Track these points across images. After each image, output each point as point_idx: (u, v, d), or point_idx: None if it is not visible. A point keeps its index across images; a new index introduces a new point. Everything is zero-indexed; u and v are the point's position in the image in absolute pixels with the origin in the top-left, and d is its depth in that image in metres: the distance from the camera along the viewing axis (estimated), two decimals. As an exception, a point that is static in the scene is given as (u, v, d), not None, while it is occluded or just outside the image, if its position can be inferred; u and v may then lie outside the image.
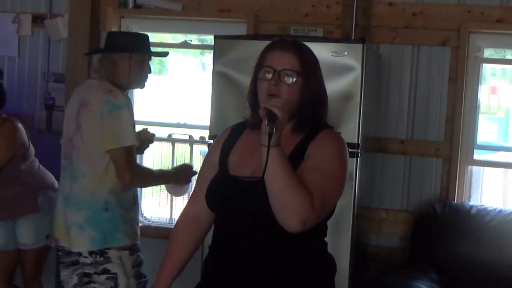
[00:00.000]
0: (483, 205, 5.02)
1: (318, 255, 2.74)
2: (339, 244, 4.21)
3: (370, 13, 5.29)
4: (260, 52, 2.75)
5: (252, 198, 2.47)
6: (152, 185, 4.61)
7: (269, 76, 2.62)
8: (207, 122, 4.78)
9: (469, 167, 5.33)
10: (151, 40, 5.71)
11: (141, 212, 5.60)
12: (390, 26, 5.31)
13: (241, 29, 5.46)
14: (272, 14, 5.49)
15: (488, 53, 5.37)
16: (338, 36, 5.32)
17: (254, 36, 5.12)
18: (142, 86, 4.19)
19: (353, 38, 5.17)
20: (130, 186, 3.97)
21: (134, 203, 4.08)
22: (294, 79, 2.62)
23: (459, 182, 5.26)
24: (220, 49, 4.58)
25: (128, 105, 3.93)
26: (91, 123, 3.90)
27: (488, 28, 5.20)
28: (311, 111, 2.68)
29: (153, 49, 4.32)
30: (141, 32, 4.34)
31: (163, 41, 6.01)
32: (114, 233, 3.94)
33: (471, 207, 4.99)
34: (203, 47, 5.99)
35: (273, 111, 2.41)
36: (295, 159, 2.58)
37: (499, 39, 5.28)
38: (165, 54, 4.53)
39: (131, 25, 5.80)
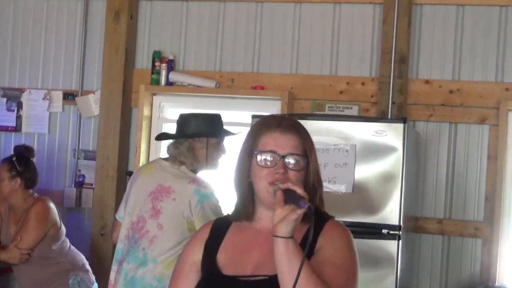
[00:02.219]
0: (526, 288, 4.87)
1: None
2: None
3: (407, 90, 5.24)
4: (249, 134, 2.44)
5: None
6: None
7: (272, 162, 2.31)
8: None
9: (510, 247, 5.19)
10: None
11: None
12: (427, 104, 5.25)
13: (276, 106, 5.41)
14: (307, 92, 5.45)
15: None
16: (374, 114, 5.26)
17: (293, 115, 5.04)
18: (217, 167, 4.08)
19: (389, 116, 5.11)
20: None
21: None
22: (302, 164, 2.34)
23: (500, 264, 5.11)
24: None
25: (215, 193, 3.88)
26: (174, 213, 3.81)
27: (527, 105, 5.13)
28: (317, 198, 2.38)
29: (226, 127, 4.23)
30: (214, 113, 4.19)
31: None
32: None
33: (514, 290, 4.84)
34: (237, 124, 5.85)
35: (296, 191, 2.15)
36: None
37: (538, 117, 5.19)
38: (233, 133, 4.38)
39: (164, 103, 5.77)
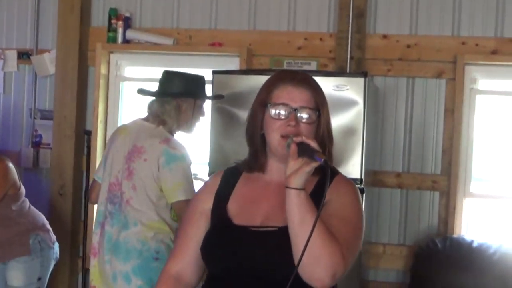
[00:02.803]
0: (483, 239, 4.95)
1: None
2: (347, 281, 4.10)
3: (365, 45, 5.25)
4: (263, 87, 2.47)
5: (268, 249, 2.28)
6: None
7: (285, 115, 2.35)
8: (206, 158, 4.68)
9: (466, 199, 5.27)
10: (141, 75, 5.72)
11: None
12: (385, 59, 5.27)
13: (234, 63, 5.40)
14: (265, 48, 5.44)
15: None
16: (332, 68, 5.27)
17: (253, 70, 5.04)
18: (193, 130, 4.05)
19: (348, 71, 5.12)
20: None
21: None
22: (314, 118, 2.37)
23: (457, 215, 5.20)
24: (217, 84, 4.49)
25: (187, 157, 3.83)
26: (145, 173, 3.77)
27: (483, 59, 5.17)
28: (327, 149, 2.41)
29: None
30: (198, 74, 4.12)
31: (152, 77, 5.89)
32: None
33: (472, 241, 4.92)
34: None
35: (310, 145, 2.19)
36: (316, 203, 2.24)
37: (495, 71, 5.25)
38: (221, 97, 4.36)
39: (121, 61, 5.72)
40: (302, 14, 5.44)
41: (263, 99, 2.42)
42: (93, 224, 4.11)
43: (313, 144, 2.21)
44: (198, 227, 2.49)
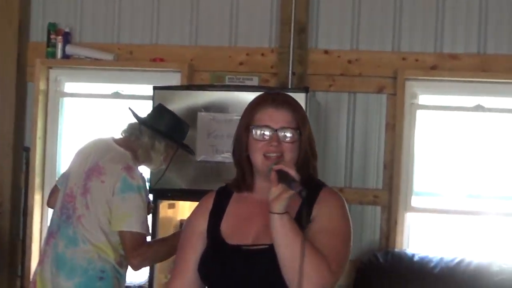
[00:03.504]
0: (424, 253, 4.98)
1: None
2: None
3: (306, 60, 5.27)
4: (246, 111, 2.59)
5: (260, 267, 2.39)
6: (166, 257, 3.91)
7: (267, 136, 2.48)
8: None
9: (408, 214, 5.30)
10: (82, 91, 5.65)
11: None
12: (327, 74, 5.29)
13: (175, 78, 5.37)
14: (206, 63, 5.42)
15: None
16: (274, 84, 5.27)
17: (194, 86, 5.04)
18: (151, 168, 4.06)
19: (290, 86, 5.13)
20: (139, 268, 3.73)
21: (125, 272, 3.86)
22: (296, 137, 2.49)
23: (398, 229, 5.23)
24: (159, 100, 4.43)
25: (144, 190, 3.73)
26: (100, 195, 3.68)
27: (423, 74, 5.23)
28: (310, 167, 2.56)
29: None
30: (185, 121, 4.06)
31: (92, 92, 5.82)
32: None
33: (413, 254, 4.95)
34: (137, 97, 5.68)
35: (289, 174, 2.30)
36: (301, 221, 2.40)
37: (434, 86, 5.30)
38: (193, 153, 4.26)
39: (60, 76, 5.64)
40: (243, 29, 5.44)
41: (247, 122, 2.55)
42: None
43: (291, 171, 2.32)
44: (196, 247, 2.59)
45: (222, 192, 2.68)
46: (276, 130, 2.47)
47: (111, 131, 4.02)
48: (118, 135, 3.91)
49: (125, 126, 3.92)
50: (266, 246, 2.39)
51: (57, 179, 4.15)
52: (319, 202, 2.48)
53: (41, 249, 3.92)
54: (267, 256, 2.37)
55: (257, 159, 2.50)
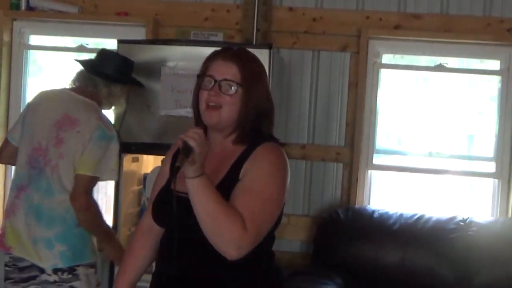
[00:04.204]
0: (384, 209, 5.08)
1: (264, 265, 2.67)
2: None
3: (271, 17, 5.28)
4: (203, 61, 2.68)
5: (190, 213, 2.44)
6: (97, 232, 3.95)
7: (210, 86, 2.58)
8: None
9: (369, 171, 5.38)
10: (47, 43, 5.63)
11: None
12: (291, 31, 5.32)
13: (140, 33, 5.35)
14: (171, 18, 5.41)
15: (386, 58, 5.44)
16: (239, 40, 5.28)
17: (159, 40, 5.03)
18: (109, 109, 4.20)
19: (254, 43, 5.14)
20: (82, 212, 3.77)
21: None
22: (235, 90, 2.58)
23: (360, 186, 5.31)
24: (123, 54, 4.42)
25: (117, 140, 3.88)
26: (76, 144, 3.75)
27: (387, 34, 5.27)
28: (251, 122, 2.62)
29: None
30: (129, 59, 4.28)
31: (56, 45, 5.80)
32: (83, 250, 3.81)
33: (373, 211, 5.05)
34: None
35: (188, 143, 2.36)
36: (232, 178, 2.55)
37: (397, 45, 5.35)
38: (142, 86, 4.46)
39: (24, 28, 5.60)
40: (209, -15, 5.43)
41: (201, 72, 2.65)
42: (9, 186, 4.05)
43: (191, 142, 2.35)
44: (160, 187, 2.76)
45: None
46: (217, 81, 2.57)
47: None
48: (70, 85, 4.01)
49: (74, 75, 4.03)
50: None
51: (8, 132, 4.15)
52: (250, 160, 2.57)
53: (8, 204, 3.92)
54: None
55: (201, 107, 2.62)
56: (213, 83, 2.58)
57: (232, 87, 2.57)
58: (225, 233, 2.38)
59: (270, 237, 2.64)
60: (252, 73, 2.63)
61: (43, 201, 3.77)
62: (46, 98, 3.98)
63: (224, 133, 2.65)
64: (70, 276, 3.76)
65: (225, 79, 2.57)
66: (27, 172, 3.84)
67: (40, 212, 3.76)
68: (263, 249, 2.58)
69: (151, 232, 2.83)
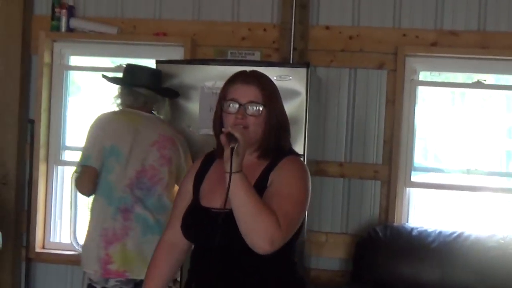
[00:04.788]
0: (423, 227, 5.06)
1: (289, 275, 2.83)
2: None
3: (308, 36, 5.31)
4: (223, 85, 2.83)
5: (224, 228, 2.62)
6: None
7: (235, 109, 2.73)
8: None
9: (407, 189, 5.37)
10: (86, 63, 5.71)
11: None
12: (327, 49, 5.34)
13: (178, 53, 5.42)
14: (209, 38, 5.46)
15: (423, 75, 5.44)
16: (276, 59, 5.32)
17: (196, 60, 5.09)
18: None
19: (291, 61, 5.18)
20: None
21: None
22: (260, 111, 2.73)
23: (398, 204, 5.30)
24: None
25: None
26: (178, 160, 4.12)
27: (423, 51, 5.27)
28: (275, 139, 2.80)
29: None
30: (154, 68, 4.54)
31: (96, 66, 5.87)
32: None
33: (412, 229, 5.03)
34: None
35: (234, 135, 2.53)
36: (260, 186, 2.70)
37: (434, 62, 5.35)
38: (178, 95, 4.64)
39: (64, 49, 5.69)
40: (246, 5, 5.47)
41: (221, 97, 2.80)
42: (98, 211, 4.08)
43: (236, 132, 2.56)
44: (183, 203, 2.90)
45: (209, 156, 2.97)
46: (242, 105, 2.72)
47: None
48: (120, 105, 4.22)
49: (120, 98, 4.20)
50: (225, 210, 2.62)
51: (86, 159, 4.05)
52: (277, 169, 2.75)
53: (110, 230, 3.98)
54: (230, 219, 2.59)
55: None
56: (237, 106, 2.73)
57: (257, 108, 2.74)
58: (262, 227, 2.54)
59: (292, 244, 2.79)
60: (270, 92, 2.80)
61: (157, 218, 4.00)
62: (129, 120, 4.11)
63: (249, 151, 2.74)
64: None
65: (251, 101, 2.73)
66: (130, 194, 4.00)
67: (159, 227, 3.93)
68: (285, 256, 2.77)
69: (174, 248, 2.96)
